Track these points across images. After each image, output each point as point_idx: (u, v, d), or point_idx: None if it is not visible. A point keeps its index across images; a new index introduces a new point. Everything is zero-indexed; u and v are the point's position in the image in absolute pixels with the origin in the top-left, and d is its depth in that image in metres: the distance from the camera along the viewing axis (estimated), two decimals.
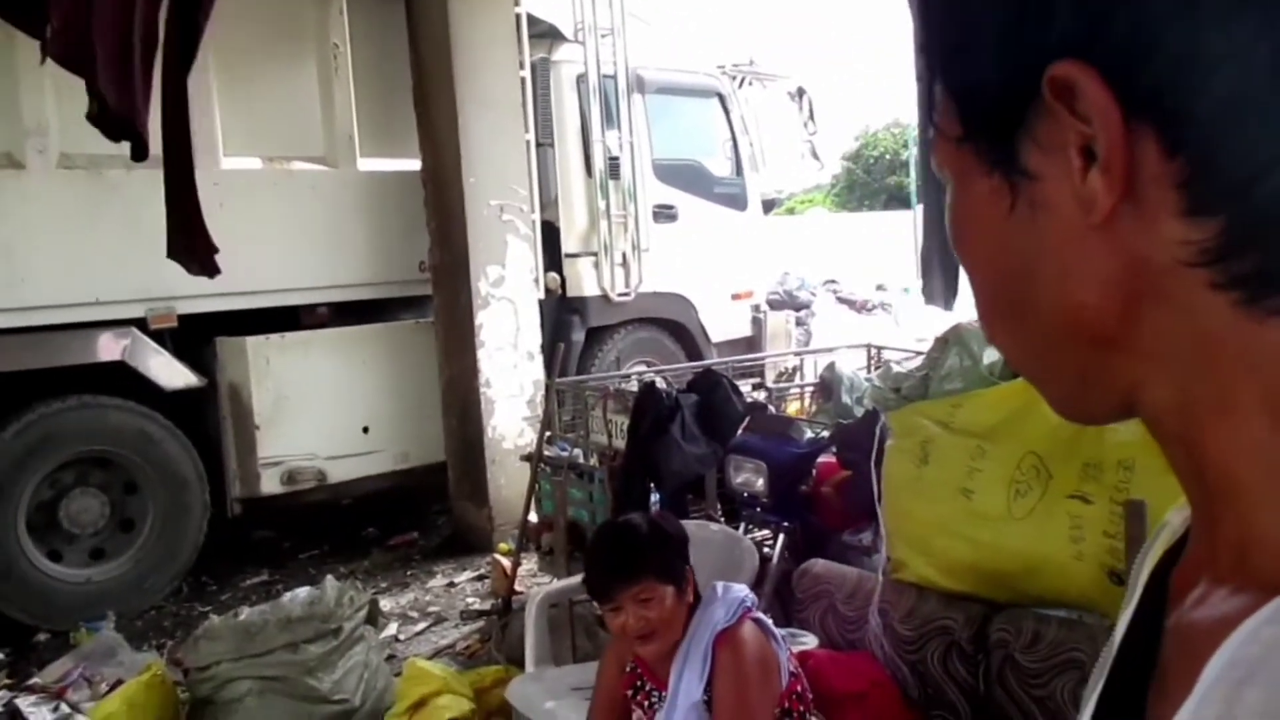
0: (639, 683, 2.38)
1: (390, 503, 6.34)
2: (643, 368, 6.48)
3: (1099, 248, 0.46)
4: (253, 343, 5.58)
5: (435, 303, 6.04)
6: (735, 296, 7.54)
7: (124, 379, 5.22)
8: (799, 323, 10.66)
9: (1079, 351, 0.50)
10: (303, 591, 3.97)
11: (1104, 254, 0.46)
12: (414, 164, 6.02)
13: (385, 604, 5.05)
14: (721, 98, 7.46)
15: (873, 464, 3.00)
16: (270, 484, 5.63)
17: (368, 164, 6.01)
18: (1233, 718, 0.41)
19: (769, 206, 8.80)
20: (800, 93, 8.13)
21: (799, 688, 2.33)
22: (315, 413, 5.73)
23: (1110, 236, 0.46)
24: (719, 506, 3.87)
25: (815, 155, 8.22)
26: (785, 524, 3.51)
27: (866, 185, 38.46)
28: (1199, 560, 0.51)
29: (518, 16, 6.05)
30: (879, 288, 15.16)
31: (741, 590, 2.36)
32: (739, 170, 7.55)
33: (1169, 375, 0.47)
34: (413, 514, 6.36)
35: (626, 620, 2.23)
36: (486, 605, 5.06)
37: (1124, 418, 0.52)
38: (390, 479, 6.08)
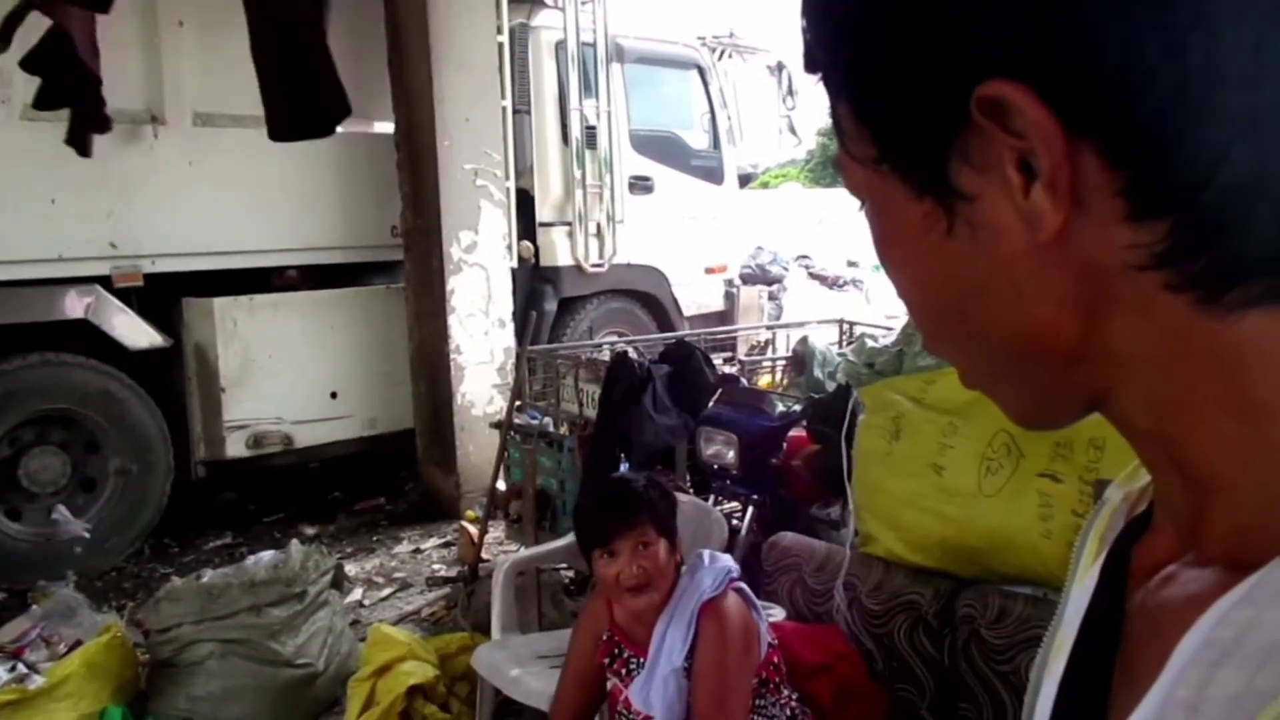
0: (616, 650, 2.36)
1: (357, 468, 6.30)
2: (615, 338, 6.46)
3: (1049, 261, 0.45)
4: (220, 304, 5.50)
5: (406, 267, 5.97)
6: (709, 270, 7.52)
7: (88, 337, 5.14)
8: (771, 297, 10.68)
9: (1040, 366, 0.49)
10: (267, 555, 3.93)
11: (1056, 267, 0.45)
12: (388, 126, 5.93)
13: (350, 569, 5.02)
14: (701, 70, 7.41)
15: (844, 438, 3.01)
16: (236, 447, 5.57)
17: (341, 125, 5.90)
18: (1206, 700, 0.40)
19: (745, 181, 8.78)
20: (780, 67, 8.09)
21: (776, 659, 2.33)
22: (283, 376, 5.67)
23: (1059, 249, 0.44)
24: (688, 478, 3.87)
25: (793, 130, 8.19)
26: (755, 496, 3.52)
27: None
28: (1166, 541, 0.50)
29: None
30: (851, 264, 15.19)
31: (727, 560, 2.35)
32: (716, 144, 7.51)
33: (1136, 378, 0.46)
34: (380, 480, 6.32)
35: (622, 568, 2.21)
36: (453, 572, 5.04)
37: (1082, 417, 0.51)
38: (358, 444, 6.04)
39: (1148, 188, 0.42)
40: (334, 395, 5.87)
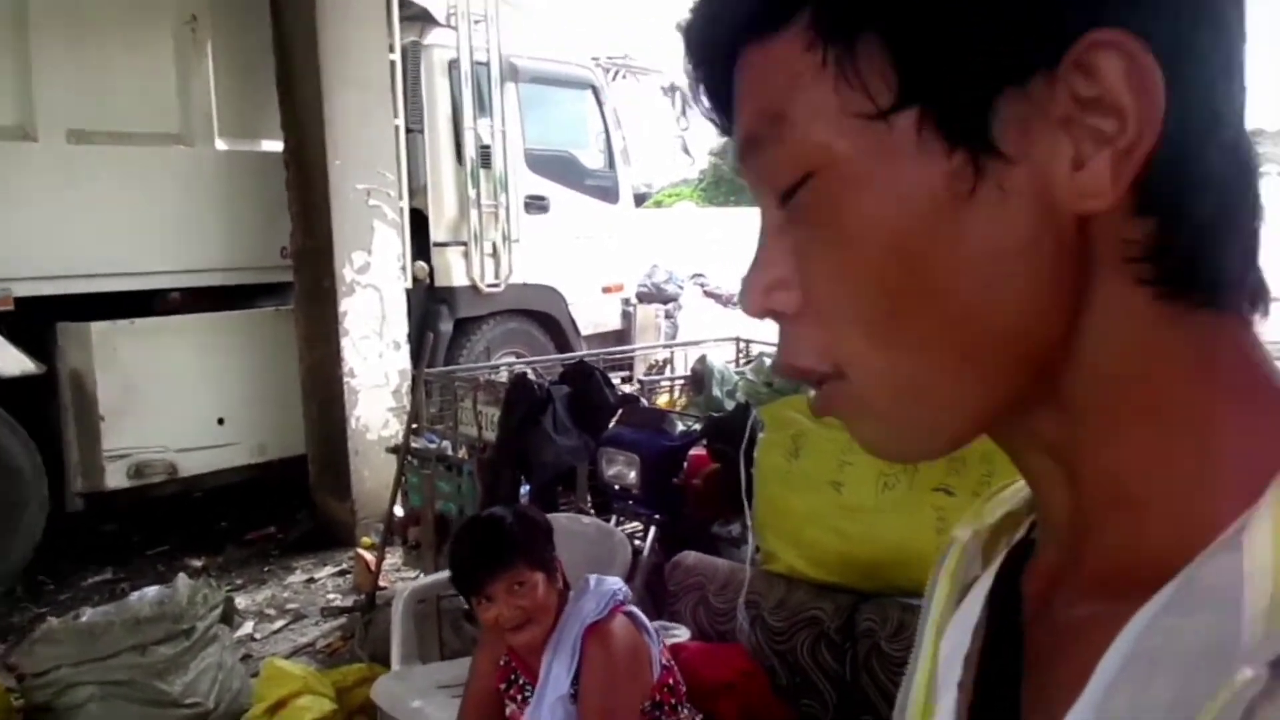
0: (512, 675, 2.34)
1: (246, 496, 6.10)
2: (512, 359, 6.41)
3: (1066, 244, 0.43)
4: (98, 328, 5.27)
5: (296, 289, 5.83)
6: (606, 289, 7.53)
7: None
8: (668, 316, 10.73)
9: (1000, 365, 0.45)
10: (152, 590, 3.77)
11: (1069, 252, 0.43)
12: (276, 144, 5.79)
13: (241, 601, 4.85)
14: (595, 90, 7.44)
15: (743, 456, 3.03)
16: (116, 477, 5.33)
17: (227, 143, 5.76)
18: (1143, 708, 0.41)
19: (639, 200, 8.83)
20: (673, 88, 8.18)
21: (671, 680, 2.33)
22: (167, 403, 5.46)
23: (1078, 232, 0.43)
24: (589, 499, 3.85)
25: (686, 150, 8.28)
26: (657, 516, 3.52)
27: (733, 181, 39.08)
28: (1052, 563, 0.51)
29: None
30: None
31: (614, 583, 2.34)
32: (611, 163, 7.54)
33: (1078, 382, 0.46)
34: (270, 508, 6.13)
35: (500, 611, 2.19)
36: (349, 602, 4.91)
37: (975, 437, 0.49)
38: (247, 472, 5.85)
39: (1159, 184, 0.42)
40: (221, 421, 5.68)
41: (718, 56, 0.49)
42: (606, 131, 7.50)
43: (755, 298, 0.49)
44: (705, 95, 0.52)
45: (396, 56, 6.00)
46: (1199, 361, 0.44)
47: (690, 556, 3.11)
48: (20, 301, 5.07)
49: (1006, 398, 0.46)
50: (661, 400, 4.99)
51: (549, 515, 3.11)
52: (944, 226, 0.43)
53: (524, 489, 3.89)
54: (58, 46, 5.13)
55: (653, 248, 13.27)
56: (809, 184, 0.46)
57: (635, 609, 2.34)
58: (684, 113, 8.01)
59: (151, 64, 5.48)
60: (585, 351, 6.27)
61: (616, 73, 7.99)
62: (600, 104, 7.45)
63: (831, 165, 0.45)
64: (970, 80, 0.42)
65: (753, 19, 0.47)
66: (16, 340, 5.07)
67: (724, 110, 0.51)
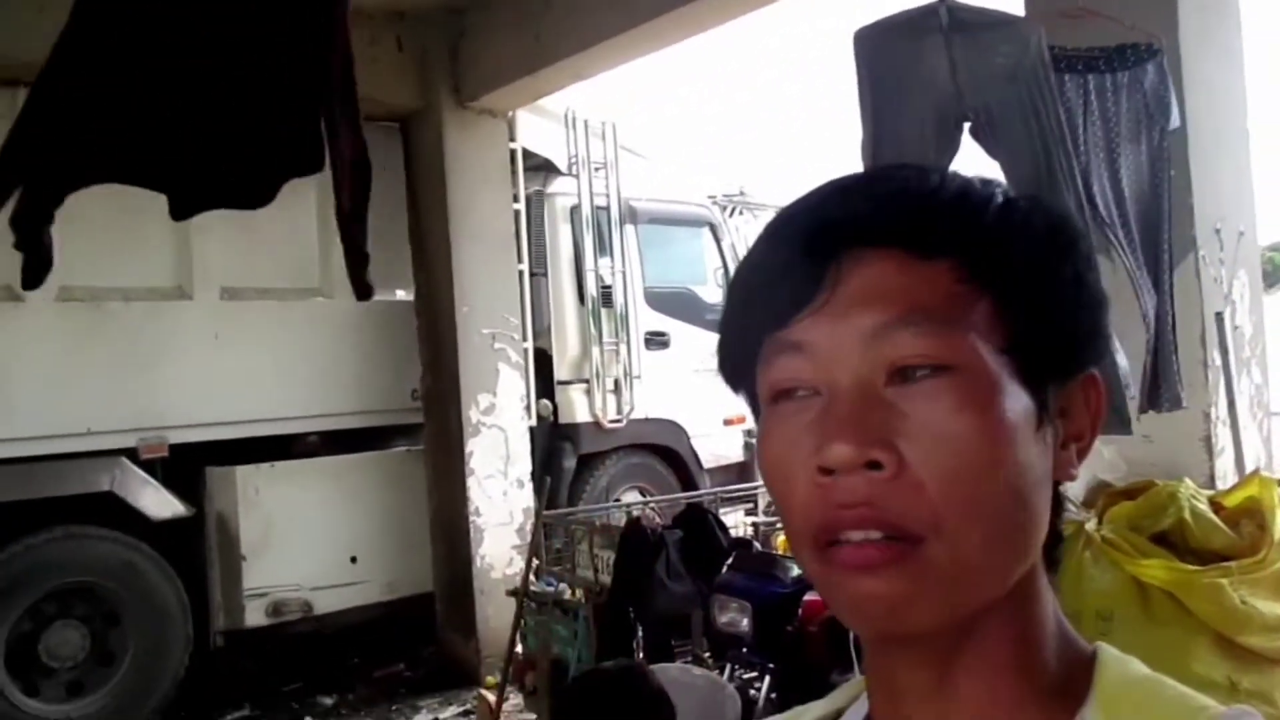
0: None
1: (376, 633, 6.23)
2: (634, 496, 6.45)
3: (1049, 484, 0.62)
4: (242, 472, 5.57)
5: (426, 430, 6.05)
6: (727, 422, 7.54)
7: (111, 508, 5.19)
8: None
9: (1018, 572, 0.60)
10: None
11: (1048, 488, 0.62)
12: (409, 294, 6.11)
13: None
14: (712, 227, 7.61)
15: None
16: (255, 616, 5.54)
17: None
18: None
19: None
20: None
21: None
22: (303, 542, 5.68)
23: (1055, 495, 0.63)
24: (705, 645, 3.81)
25: None
26: (771, 665, 3.45)
27: None
28: None
29: (513, 151, 6.23)
30: None
31: None
32: None
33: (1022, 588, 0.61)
34: (399, 645, 6.24)
35: None
36: None
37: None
38: (377, 609, 5.99)
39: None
40: (354, 560, 5.86)
41: (834, 245, 0.60)
42: (725, 266, 7.63)
43: (862, 446, 0.56)
44: (798, 274, 0.60)
45: (521, 205, 6.31)
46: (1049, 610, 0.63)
47: None
48: (173, 448, 5.41)
49: (1001, 596, 0.60)
50: (781, 540, 4.92)
51: (661, 665, 3.11)
52: (1025, 447, 0.58)
53: (639, 634, 3.88)
54: (213, 213, 5.56)
55: None
56: (947, 376, 0.57)
57: None
58: None
59: (296, 223, 5.89)
60: (703, 490, 6.26)
61: (733, 209, 8.17)
62: (718, 240, 7.61)
63: (974, 367, 0.58)
64: (1054, 357, 0.61)
65: (912, 240, 0.59)
66: (168, 484, 5.40)
67: (812, 284, 0.60)
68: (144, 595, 5.26)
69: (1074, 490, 2.69)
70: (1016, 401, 0.58)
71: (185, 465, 5.51)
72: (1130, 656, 0.64)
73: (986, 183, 0.64)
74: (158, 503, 5.34)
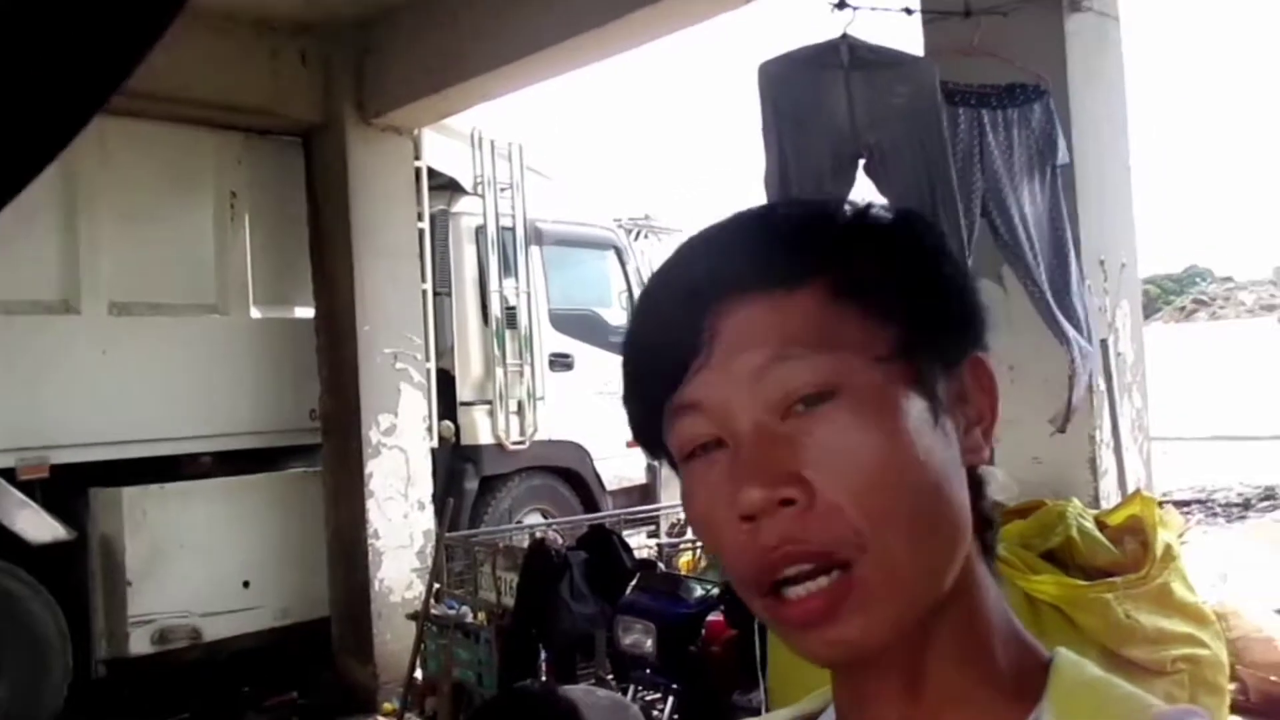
0: None
1: (269, 659, 6.05)
2: (536, 518, 6.42)
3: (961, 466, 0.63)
4: (129, 493, 5.37)
5: (324, 451, 5.93)
6: (630, 444, 7.53)
7: None
8: None
9: (954, 566, 0.61)
10: None
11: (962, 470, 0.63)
12: (308, 311, 5.99)
13: None
14: (618, 250, 7.66)
15: (758, 624, 3.01)
16: (140, 644, 5.33)
17: (260, 311, 5.96)
18: None
19: None
20: None
21: None
22: (192, 567, 5.49)
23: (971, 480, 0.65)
24: (608, 666, 3.81)
25: None
26: (674, 686, 3.47)
27: None
28: None
29: (418, 169, 6.18)
30: None
31: None
32: None
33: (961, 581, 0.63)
34: (292, 672, 6.07)
35: None
36: None
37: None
38: (270, 635, 5.82)
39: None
40: (246, 584, 5.69)
41: (704, 304, 0.61)
42: (630, 289, 7.68)
43: (771, 487, 0.58)
44: (678, 337, 0.62)
45: (425, 224, 6.25)
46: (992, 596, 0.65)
47: None
48: (55, 468, 5.19)
49: (946, 588, 0.62)
50: (684, 560, 4.95)
51: (565, 687, 3.09)
52: (929, 447, 0.60)
53: (543, 656, 3.85)
54: (104, 224, 5.40)
55: None
56: (835, 398, 0.59)
57: None
58: None
59: (191, 238, 5.75)
60: (606, 513, 6.27)
61: (638, 233, 8.23)
62: (623, 263, 7.66)
63: (858, 383, 0.59)
64: (941, 346, 0.63)
65: (773, 278, 0.61)
66: (48, 506, 5.17)
67: (692, 343, 0.61)
68: (20, 623, 5.01)
69: None
70: (908, 404, 0.60)
71: (68, 486, 5.28)
72: (1086, 660, 0.66)
73: (830, 203, 0.66)
74: (36, 525, 5.11)
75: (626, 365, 0.66)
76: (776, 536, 0.58)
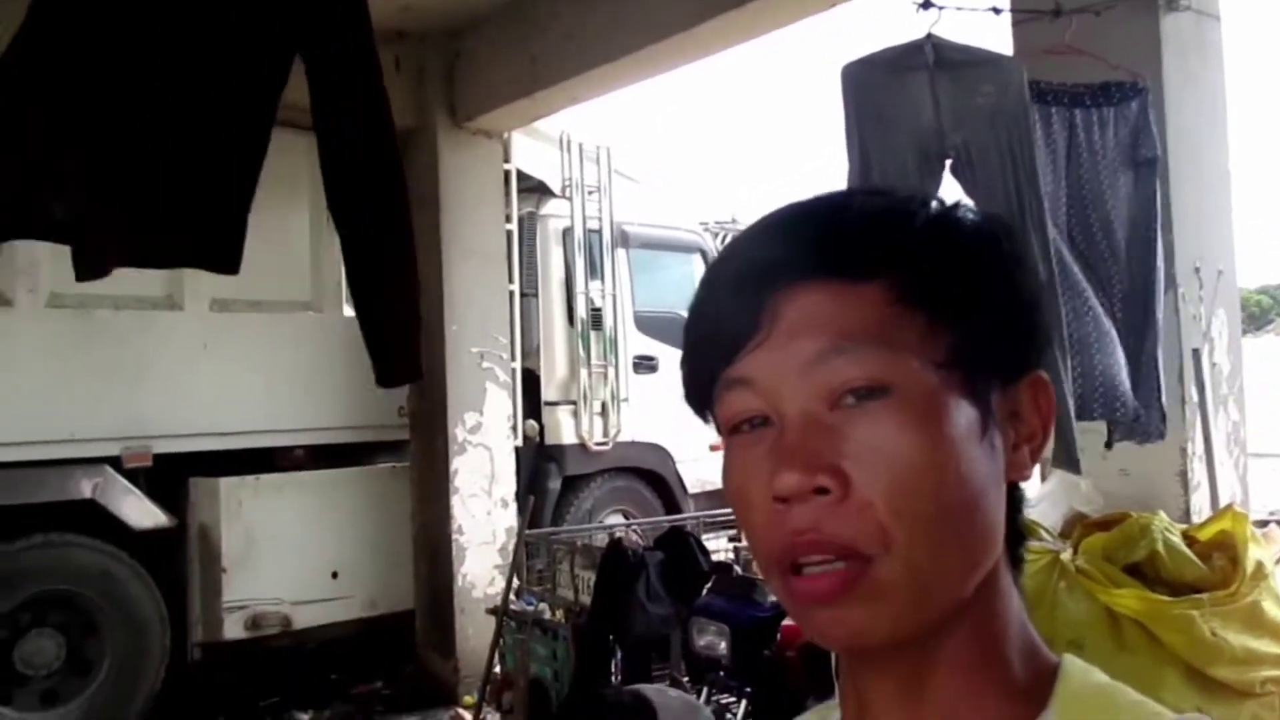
0: None
1: (355, 649, 6.21)
2: (618, 519, 6.45)
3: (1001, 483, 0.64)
4: (226, 484, 5.56)
5: (412, 447, 6.05)
6: (713, 447, 7.55)
7: (92, 517, 5.18)
8: None
9: (975, 578, 0.62)
10: None
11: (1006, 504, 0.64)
12: None
13: None
14: (703, 253, 7.66)
15: None
16: (234, 629, 5.52)
17: (352, 309, 6.10)
18: None
19: None
20: None
21: None
22: (284, 556, 5.67)
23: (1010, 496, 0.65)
24: (683, 668, 3.81)
25: None
26: (748, 689, 3.46)
27: None
28: None
29: (507, 172, 6.27)
30: None
31: None
32: None
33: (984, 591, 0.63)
34: (377, 661, 6.21)
35: None
36: None
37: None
38: (357, 626, 5.96)
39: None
40: (335, 575, 5.84)
41: (770, 283, 0.62)
42: None
43: (808, 473, 0.59)
44: (739, 313, 0.63)
45: (514, 226, 6.34)
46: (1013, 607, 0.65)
47: None
48: (157, 458, 5.40)
49: (965, 599, 0.62)
50: None
51: (638, 686, 3.11)
52: (972, 457, 0.60)
53: (618, 655, 3.88)
54: None
55: None
56: (886, 396, 0.59)
57: None
58: None
59: (288, 238, 5.92)
60: (686, 514, 6.28)
61: (724, 236, 8.22)
62: (708, 266, 7.64)
63: (911, 385, 0.60)
64: (996, 359, 0.63)
65: (840, 269, 0.61)
66: (151, 494, 5.39)
67: (751, 321, 0.62)
68: (122, 605, 5.23)
69: (1050, 521, 2.71)
70: (958, 413, 0.60)
71: (169, 475, 5.49)
72: (1092, 666, 0.66)
73: (912, 199, 0.65)
74: (140, 512, 5.33)
75: (688, 331, 0.67)
76: (805, 522, 0.59)
